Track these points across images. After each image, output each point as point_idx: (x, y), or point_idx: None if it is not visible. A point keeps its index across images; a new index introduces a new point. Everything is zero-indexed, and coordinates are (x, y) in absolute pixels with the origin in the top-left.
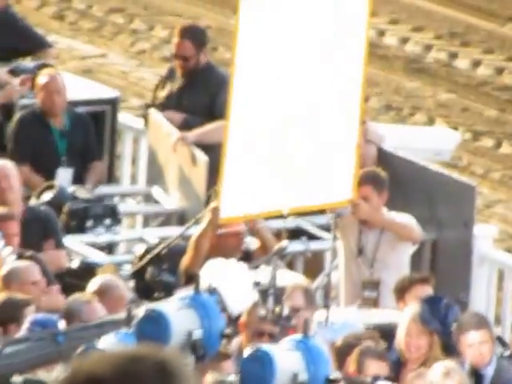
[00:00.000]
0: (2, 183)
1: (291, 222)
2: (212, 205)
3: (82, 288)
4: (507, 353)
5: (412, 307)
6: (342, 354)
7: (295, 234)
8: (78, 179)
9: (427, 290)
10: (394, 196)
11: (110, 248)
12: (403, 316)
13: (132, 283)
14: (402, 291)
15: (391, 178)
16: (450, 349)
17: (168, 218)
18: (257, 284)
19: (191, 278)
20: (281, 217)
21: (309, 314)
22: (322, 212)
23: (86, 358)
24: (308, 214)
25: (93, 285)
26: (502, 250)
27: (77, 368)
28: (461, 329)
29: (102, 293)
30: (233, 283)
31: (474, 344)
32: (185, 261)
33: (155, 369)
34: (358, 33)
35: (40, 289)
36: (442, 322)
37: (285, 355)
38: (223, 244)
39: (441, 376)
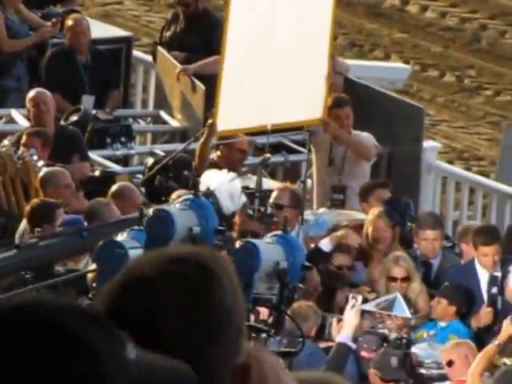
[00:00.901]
0: (41, 106)
1: (273, 138)
2: (209, 121)
3: (102, 193)
4: (449, 244)
5: (377, 207)
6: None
7: (276, 148)
8: (99, 104)
9: (386, 193)
10: (357, 116)
11: (125, 160)
12: (370, 215)
13: (143, 189)
14: (365, 194)
15: (356, 102)
16: (405, 240)
17: (173, 136)
18: (245, 188)
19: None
20: (265, 132)
21: (292, 213)
22: (299, 129)
23: (136, 260)
24: (287, 131)
25: (112, 189)
26: (445, 161)
27: (128, 268)
28: (419, 226)
29: (119, 195)
30: (226, 188)
31: (429, 239)
32: (196, 162)
33: (197, 268)
34: None
35: (71, 191)
36: (402, 217)
37: (268, 247)
38: (232, 157)
39: (392, 262)
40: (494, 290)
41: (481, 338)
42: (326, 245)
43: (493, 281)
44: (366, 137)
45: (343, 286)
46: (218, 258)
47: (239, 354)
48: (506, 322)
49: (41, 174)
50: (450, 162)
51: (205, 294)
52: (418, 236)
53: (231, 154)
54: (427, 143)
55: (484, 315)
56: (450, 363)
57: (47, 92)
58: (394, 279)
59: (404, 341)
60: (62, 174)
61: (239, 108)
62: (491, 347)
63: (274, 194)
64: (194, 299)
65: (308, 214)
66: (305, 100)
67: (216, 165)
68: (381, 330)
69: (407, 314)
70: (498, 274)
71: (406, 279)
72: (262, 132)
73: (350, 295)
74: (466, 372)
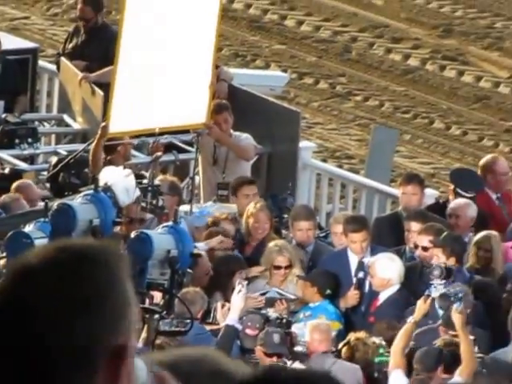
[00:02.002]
0: None
1: (165, 139)
2: (102, 124)
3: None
4: (323, 234)
5: (258, 200)
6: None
7: (168, 147)
8: (9, 108)
9: (253, 189)
10: (241, 119)
11: (32, 159)
12: (252, 208)
13: (48, 185)
14: (234, 190)
15: (239, 107)
16: (280, 231)
17: (74, 137)
18: (139, 183)
19: (92, 180)
20: (153, 134)
21: (171, 199)
22: (187, 132)
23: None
24: (177, 133)
25: (13, 185)
26: (319, 159)
27: (19, 257)
28: (294, 218)
29: (18, 191)
30: (122, 183)
31: (303, 230)
32: (90, 166)
33: (77, 257)
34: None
35: None
36: (280, 210)
37: (160, 237)
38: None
39: (275, 251)
40: (361, 274)
41: (348, 316)
42: (202, 247)
43: (360, 266)
44: (246, 138)
45: (241, 268)
46: (104, 247)
47: (117, 335)
48: (419, 302)
49: None
50: (324, 161)
51: (82, 279)
52: (294, 227)
53: (125, 154)
54: (303, 143)
55: (351, 297)
56: (312, 341)
57: None
58: (278, 267)
59: (284, 321)
60: None
61: (130, 112)
62: (409, 325)
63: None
64: (70, 284)
65: (195, 208)
66: (190, 106)
67: (111, 162)
68: (263, 311)
69: (289, 296)
70: (366, 259)
71: (289, 267)
72: (151, 134)
73: (237, 281)
74: (325, 347)
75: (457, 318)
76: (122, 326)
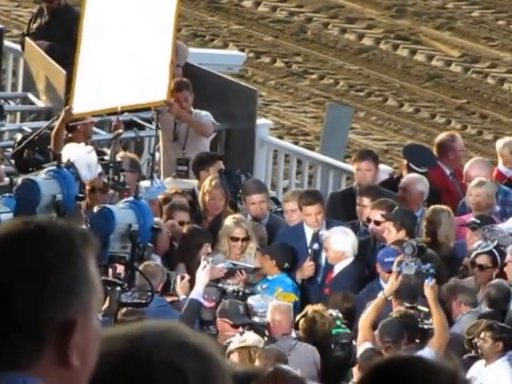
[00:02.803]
0: None
1: (126, 117)
2: (66, 107)
3: None
4: (280, 209)
5: (213, 177)
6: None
7: (129, 125)
8: None
9: (219, 165)
10: (200, 97)
11: None
12: (207, 186)
13: (13, 161)
14: (199, 165)
15: (198, 85)
16: (235, 206)
17: (39, 115)
18: (101, 160)
19: (55, 157)
20: (115, 113)
21: (132, 176)
22: (147, 109)
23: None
24: (138, 111)
25: None
26: (275, 136)
27: None
28: (246, 192)
29: None
30: (84, 159)
31: (256, 203)
32: (52, 145)
33: (34, 231)
34: None
35: None
36: (235, 187)
37: (122, 212)
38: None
39: (233, 223)
40: (316, 246)
41: (305, 288)
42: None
43: (315, 238)
44: (205, 115)
45: (208, 241)
46: (42, 222)
47: (67, 310)
48: (391, 278)
49: None
50: (280, 137)
51: (32, 253)
52: (247, 201)
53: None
54: (260, 121)
55: (306, 268)
56: (273, 321)
57: None
58: (236, 239)
59: (240, 294)
60: None
61: (93, 92)
62: (380, 300)
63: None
64: (30, 256)
65: (153, 183)
66: (151, 84)
67: (72, 140)
68: (220, 284)
69: (249, 266)
70: (321, 232)
71: (246, 239)
72: (114, 113)
73: (202, 257)
74: (285, 328)
75: (429, 292)
76: (73, 302)
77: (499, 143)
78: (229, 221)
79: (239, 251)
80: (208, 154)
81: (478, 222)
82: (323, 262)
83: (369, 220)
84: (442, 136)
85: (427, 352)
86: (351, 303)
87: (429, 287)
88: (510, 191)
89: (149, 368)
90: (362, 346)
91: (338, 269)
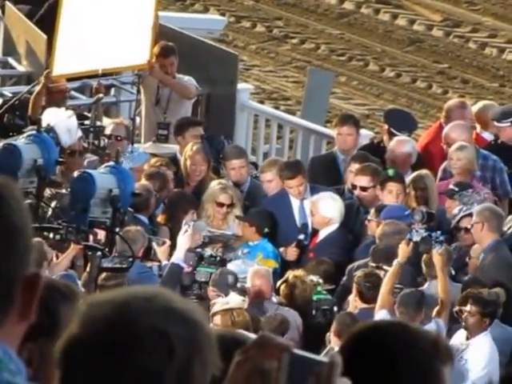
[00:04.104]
0: None
1: (107, 81)
2: (45, 72)
3: None
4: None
5: (195, 143)
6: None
7: (109, 88)
8: None
9: (199, 130)
10: (180, 62)
11: None
12: (188, 151)
13: None
14: (180, 130)
15: (179, 49)
16: (218, 171)
17: (19, 79)
18: (81, 124)
19: (35, 122)
20: (96, 76)
21: (125, 144)
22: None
23: None
24: (119, 74)
25: None
26: (256, 101)
27: None
28: (226, 158)
29: None
30: (64, 124)
31: (236, 168)
32: (29, 110)
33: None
34: None
35: None
36: (216, 152)
37: (102, 176)
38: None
39: (219, 189)
40: (302, 236)
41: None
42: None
43: (303, 228)
44: (188, 79)
45: (194, 208)
46: (6, 184)
47: (27, 268)
48: (402, 245)
49: None
50: (261, 102)
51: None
52: (227, 167)
53: (54, 95)
54: (241, 85)
55: (290, 253)
56: (253, 286)
57: None
58: (221, 205)
59: (218, 259)
60: None
61: (73, 55)
62: (395, 267)
63: (111, 127)
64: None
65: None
66: (133, 47)
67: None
68: (198, 249)
69: (228, 234)
70: (306, 201)
71: (231, 205)
72: (95, 75)
73: (184, 222)
74: (265, 292)
75: (438, 259)
76: (30, 257)
77: (476, 107)
78: (214, 186)
79: (223, 217)
80: (188, 119)
81: (457, 189)
82: (309, 227)
83: (354, 186)
84: (451, 101)
85: (437, 324)
86: (326, 266)
87: (437, 254)
88: (490, 156)
89: (135, 334)
90: (379, 313)
91: (323, 234)
